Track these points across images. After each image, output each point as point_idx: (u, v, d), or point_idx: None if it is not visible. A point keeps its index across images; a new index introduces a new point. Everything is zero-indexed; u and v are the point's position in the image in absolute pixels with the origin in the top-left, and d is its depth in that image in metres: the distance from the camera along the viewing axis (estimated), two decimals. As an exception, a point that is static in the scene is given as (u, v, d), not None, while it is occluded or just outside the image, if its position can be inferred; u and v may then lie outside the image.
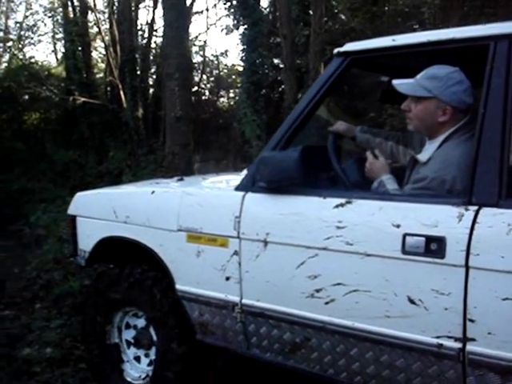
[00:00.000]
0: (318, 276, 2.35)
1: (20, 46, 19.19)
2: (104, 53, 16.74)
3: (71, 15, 16.70)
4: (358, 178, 2.59)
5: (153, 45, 17.37)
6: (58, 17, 18.61)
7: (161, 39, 16.61)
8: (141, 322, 3.13)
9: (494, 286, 1.97)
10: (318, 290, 2.36)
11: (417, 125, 2.46)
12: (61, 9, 17.83)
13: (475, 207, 2.05)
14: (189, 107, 10.21)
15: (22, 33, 19.87)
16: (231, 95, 19.48)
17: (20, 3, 26.55)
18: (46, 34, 20.11)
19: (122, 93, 13.61)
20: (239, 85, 14.40)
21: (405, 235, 2.14)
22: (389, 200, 2.28)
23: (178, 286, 2.79)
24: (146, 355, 3.16)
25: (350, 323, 2.30)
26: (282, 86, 12.71)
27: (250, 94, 12.09)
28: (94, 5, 14.94)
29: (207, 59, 19.63)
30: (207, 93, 18.90)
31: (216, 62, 20.01)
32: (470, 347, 2.05)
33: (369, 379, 2.34)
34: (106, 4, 16.94)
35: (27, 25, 19.89)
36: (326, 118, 3.52)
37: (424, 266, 2.11)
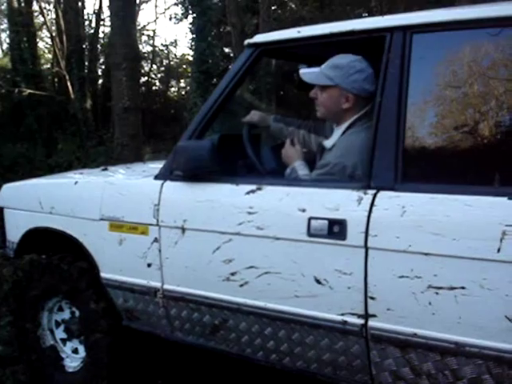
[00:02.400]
0: (232, 260, 2.45)
1: None
2: (50, 43, 16.53)
3: (15, 5, 16.34)
4: (273, 165, 2.69)
5: (101, 34, 17.21)
6: (2, 7, 18.28)
7: (109, 29, 16.51)
8: (67, 314, 3.20)
9: (390, 265, 2.10)
10: (232, 274, 2.45)
11: (323, 112, 2.58)
12: None
13: (373, 191, 2.16)
14: (137, 97, 10.11)
15: None
16: (182, 85, 19.48)
17: None
18: None
19: (69, 84, 13.45)
20: (189, 74, 14.39)
21: (310, 219, 2.24)
22: (296, 186, 2.38)
23: (103, 274, 2.86)
24: (81, 342, 3.21)
25: (262, 304, 2.40)
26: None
27: (200, 84, 12.13)
28: (39, -6, 14.73)
29: (157, 49, 19.56)
30: (157, 83, 18.81)
31: (166, 51, 19.97)
32: (371, 323, 2.17)
33: (283, 357, 2.46)
34: (51, -7, 16.69)
35: None
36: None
37: (328, 247, 2.22)
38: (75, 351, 3.25)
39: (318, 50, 2.71)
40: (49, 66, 18.24)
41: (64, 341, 3.28)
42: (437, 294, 2.02)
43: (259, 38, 2.55)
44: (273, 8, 11.96)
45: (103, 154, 12.01)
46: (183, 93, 18.45)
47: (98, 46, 17.05)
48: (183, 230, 2.56)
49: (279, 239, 2.32)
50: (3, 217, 3.28)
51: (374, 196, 2.15)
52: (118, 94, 9.37)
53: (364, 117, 2.47)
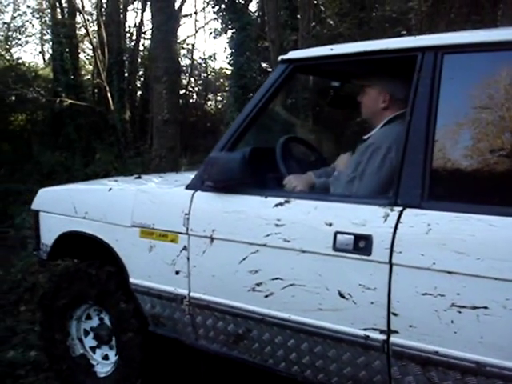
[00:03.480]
0: (258, 271, 2.49)
1: (7, 46, 19.20)
2: (92, 55, 16.76)
3: (59, 16, 16.68)
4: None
5: (141, 47, 17.43)
6: (46, 18, 18.57)
7: (149, 41, 16.75)
8: (95, 321, 3.28)
9: (414, 282, 2.12)
10: (258, 284, 2.49)
11: (365, 112, 2.75)
12: (49, 10, 17.85)
13: (400, 208, 2.19)
14: (176, 110, 10.23)
15: (10, 33, 19.86)
16: (219, 98, 19.60)
17: (8, 4, 26.55)
18: (33, 35, 19.94)
19: (109, 95, 13.66)
20: (227, 88, 14.51)
21: (336, 233, 2.28)
22: (323, 200, 2.42)
23: (132, 280, 2.93)
24: (111, 347, 3.28)
25: (286, 315, 2.44)
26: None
27: (237, 98, 12.23)
28: (82, 6, 15.05)
29: (195, 62, 19.76)
30: (195, 96, 19.00)
31: (204, 65, 20.14)
32: (393, 339, 2.19)
33: (305, 369, 2.48)
34: (94, 6, 16.97)
35: (15, 26, 19.91)
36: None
37: (353, 262, 2.24)
38: (105, 357, 3.30)
39: (350, 68, 2.75)
40: (89, 77, 18.52)
41: (94, 348, 3.35)
42: (459, 312, 2.03)
43: (293, 54, 2.60)
44: (312, 24, 11.99)
45: (140, 165, 12.15)
46: (220, 106, 18.62)
47: (138, 58, 17.28)
48: (212, 239, 2.61)
49: (305, 252, 2.36)
50: (38, 220, 3.38)
51: (400, 213, 2.18)
52: (158, 106, 9.49)
53: (399, 117, 2.56)
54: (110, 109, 13.82)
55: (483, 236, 1.99)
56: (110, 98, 13.75)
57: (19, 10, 20.06)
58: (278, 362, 2.55)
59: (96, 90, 16.77)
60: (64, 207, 3.21)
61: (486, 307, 1.97)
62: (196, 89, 18.96)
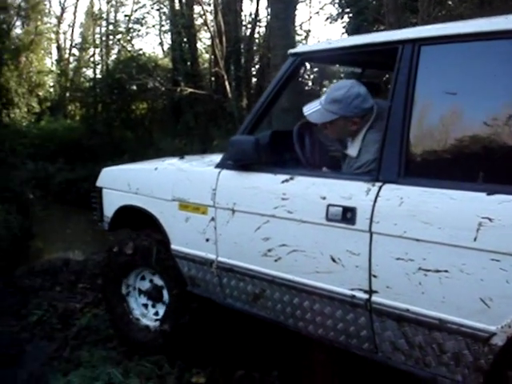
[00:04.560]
0: (269, 238, 2.87)
1: (129, 38, 19.87)
2: (209, 44, 17.02)
3: (177, 7, 17.13)
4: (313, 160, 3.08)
5: (255, 35, 17.35)
6: (165, 9, 19.03)
7: (263, 29, 16.91)
8: (147, 282, 3.81)
9: (389, 248, 2.42)
10: (269, 250, 2.88)
11: (336, 136, 3.02)
12: (167, 1, 18.39)
13: (380, 183, 2.49)
14: (295, 98, 10.22)
15: (131, 25, 20.57)
16: (335, 84, 19.23)
17: None
18: (153, 26, 20.43)
19: (226, 83, 13.83)
20: (341, 75, 14.42)
21: (328, 205, 2.61)
22: (320, 177, 2.76)
23: (173, 246, 3.40)
24: (162, 304, 3.76)
25: (291, 277, 2.81)
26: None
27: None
28: (201, -4, 15.07)
29: None
30: (310, 83, 18.99)
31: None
32: (374, 298, 2.50)
33: (307, 324, 2.84)
34: (211, -4, 17.25)
35: (135, 18, 20.57)
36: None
37: (341, 231, 2.57)
38: (156, 313, 3.80)
39: (348, 57, 3.04)
40: (206, 65, 18.81)
41: (146, 306, 3.86)
42: (425, 275, 2.31)
43: (300, 48, 2.95)
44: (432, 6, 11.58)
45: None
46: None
47: (254, 46, 17.42)
48: (233, 211, 3.02)
49: (304, 222, 2.71)
50: (101, 195, 3.94)
51: (380, 188, 2.48)
52: None
53: (373, 125, 2.81)
54: (228, 96, 13.94)
55: (444, 208, 2.26)
56: (227, 86, 13.96)
57: (139, 2, 20.76)
58: (287, 318, 2.93)
59: (213, 79, 16.96)
60: (121, 184, 3.73)
61: (446, 271, 2.25)
62: (311, 76, 18.95)
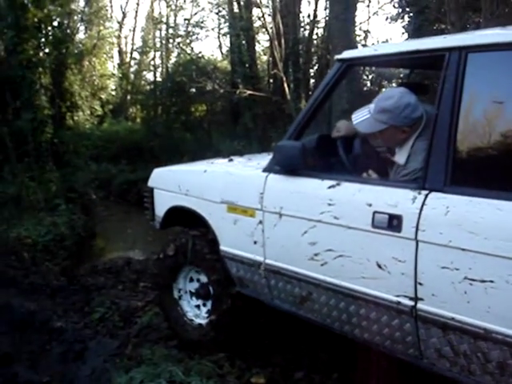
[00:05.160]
0: (315, 243, 2.91)
1: (188, 41, 19.99)
2: (266, 46, 17.05)
3: (236, 10, 17.09)
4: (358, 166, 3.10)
5: (314, 36, 17.02)
6: (224, 12, 19.06)
7: (322, 31, 16.72)
8: (196, 283, 3.92)
9: (435, 257, 2.43)
10: (316, 254, 2.92)
11: (386, 145, 2.97)
12: (226, 5, 18.41)
13: (426, 192, 2.50)
14: (355, 100, 9.92)
15: (190, 29, 20.74)
16: (394, 86, 19.01)
17: (188, 0, 28.10)
18: (212, 29, 20.55)
19: (285, 85, 13.73)
20: (401, 75, 14.13)
21: (374, 212, 2.63)
22: (366, 183, 2.77)
23: (222, 247, 3.48)
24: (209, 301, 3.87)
25: (337, 282, 2.85)
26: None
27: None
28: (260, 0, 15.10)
29: None
30: (368, 84, 18.67)
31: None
32: (419, 305, 2.52)
33: (353, 328, 2.88)
34: (270, -2, 16.96)
35: (194, 21, 20.76)
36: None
37: (387, 238, 2.59)
38: (208, 312, 3.90)
39: (394, 63, 3.03)
40: (264, 67, 18.63)
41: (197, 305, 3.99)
42: (471, 285, 2.32)
43: (346, 54, 2.95)
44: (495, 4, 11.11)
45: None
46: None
47: (312, 48, 17.24)
48: (280, 215, 3.07)
49: (350, 228, 2.74)
50: (153, 195, 4.05)
51: (426, 196, 2.49)
52: (337, 96, 9.05)
53: (421, 134, 2.80)
54: (286, 98, 13.65)
55: (491, 218, 2.26)
56: (286, 88, 13.77)
57: (198, 5, 20.91)
58: (333, 321, 2.97)
59: (272, 81, 16.78)
60: (172, 185, 3.83)
61: (492, 281, 2.25)
62: (370, 77, 18.66)
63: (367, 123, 2.87)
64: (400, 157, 2.84)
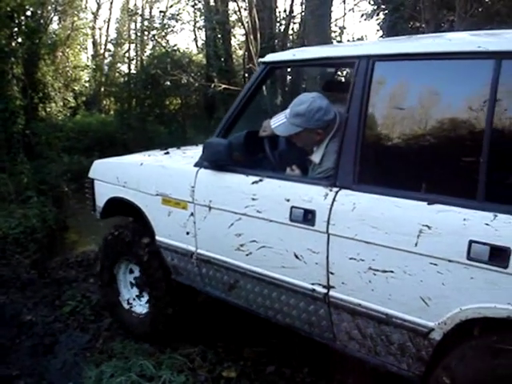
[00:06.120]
0: (241, 234, 3.11)
1: (163, 34, 19.25)
2: (242, 40, 16.92)
3: (212, 3, 16.79)
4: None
5: (290, 32, 16.92)
6: (200, 5, 18.73)
7: (298, 26, 16.64)
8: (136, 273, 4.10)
9: (343, 248, 2.65)
10: (241, 245, 3.12)
11: (302, 145, 3.19)
12: None
13: (337, 189, 2.71)
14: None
15: (165, 21, 19.91)
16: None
17: None
18: (188, 22, 19.80)
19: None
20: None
21: (292, 207, 2.84)
22: (286, 180, 2.98)
23: (157, 238, 3.65)
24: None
25: (261, 270, 3.06)
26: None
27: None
28: (235, -8, 14.85)
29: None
30: (342, 80, 18.56)
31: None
32: (331, 292, 2.75)
33: (276, 313, 3.11)
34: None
35: (170, 14, 19.99)
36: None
37: (303, 231, 2.80)
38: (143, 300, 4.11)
39: (311, 67, 3.22)
40: (240, 62, 18.50)
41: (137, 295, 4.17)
42: (374, 274, 2.55)
43: (268, 58, 3.14)
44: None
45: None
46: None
47: (288, 43, 17.12)
48: (209, 208, 3.26)
49: (272, 221, 2.94)
50: (94, 186, 4.19)
51: (336, 193, 2.70)
52: (313, 91, 9.28)
53: (335, 135, 3.00)
54: (262, 93, 13.98)
55: (390, 214, 2.48)
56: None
57: None
58: (259, 307, 3.19)
59: (247, 75, 16.53)
60: (110, 177, 3.98)
61: (392, 271, 2.49)
62: (344, 73, 18.66)
63: (284, 127, 3.06)
64: (316, 156, 3.04)
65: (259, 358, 3.86)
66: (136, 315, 4.07)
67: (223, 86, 13.84)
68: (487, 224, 2.19)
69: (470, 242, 2.22)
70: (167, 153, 4.04)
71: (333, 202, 2.69)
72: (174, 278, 3.68)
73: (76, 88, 20.00)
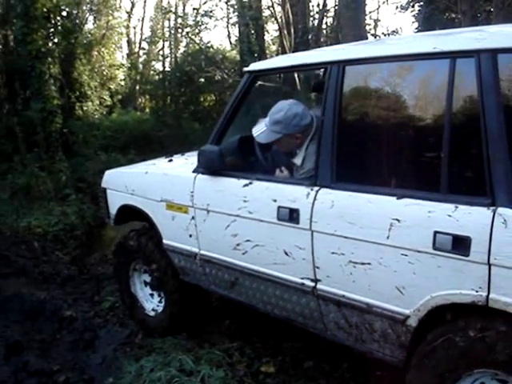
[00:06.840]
0: (237, 235, 3.30)
1: (197, 31, 19.58)
2: (275, 35, 16.97)
3: (245, 0, 16.86)
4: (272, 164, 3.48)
5: (324, 26, 17.10)
6: (233, 1, 18.46)
7: (331, 20, 16.66)
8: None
9: (325, 244, 2.82)
10: (238, 245, 3.31)
11: (284, 150, 3.37)
12: None
13: (317, 188, 2.88)
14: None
15: (199, 18, 20.07)
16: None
17: None
18: (221, 19, 19.82)
19: (295, 75, 13.93)
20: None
21: (279, 207, 3.02)
22: (273, 182, 3.16)
23: (164, 241, 3.87)
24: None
25: (256, 268, 3.24)
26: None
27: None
28: (268, -12, 14.72)
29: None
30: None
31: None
32: (318, 286, 2.92)
33: (273, 307, 3.28)
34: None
35: (203, 11, 20.07)
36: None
37: (290, 229, 2.98)
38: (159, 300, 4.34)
39: (291, 74, 3.38)
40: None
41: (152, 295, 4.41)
42: (354, 267, 2.71)
43: (252, 66, 3.33)
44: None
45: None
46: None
47: (321, 37, 16.88)
48: (207, 211, 3.46)
49: (262, 221, 3.13)
50: (106, 195, 4.43)
51: (317, 192, 2.87)
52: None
53: (314, 137, 3.15)
54: (297, 88, 13.65)
55: (364, 210, 2.64)
56: (296, 78, 13.61)
57: None
58: (258, 302, 3.37)
59: None
60: (120, 185, 4.22)
61: (369, 263, 2.65)
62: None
63: (265, 135, 3.23)
64: (298, 158, 3.20)
65: (297, 353, 3.91)
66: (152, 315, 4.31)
67: (259, 82, 13.86)
68: (449, 215, 2.34)
69: (435, 233, 2.37)
70: (171, 160, 4.25)
71: (314, 201, 2.86)
72: (181, 278, 3.89)
73: (112, 87, 20.21)
